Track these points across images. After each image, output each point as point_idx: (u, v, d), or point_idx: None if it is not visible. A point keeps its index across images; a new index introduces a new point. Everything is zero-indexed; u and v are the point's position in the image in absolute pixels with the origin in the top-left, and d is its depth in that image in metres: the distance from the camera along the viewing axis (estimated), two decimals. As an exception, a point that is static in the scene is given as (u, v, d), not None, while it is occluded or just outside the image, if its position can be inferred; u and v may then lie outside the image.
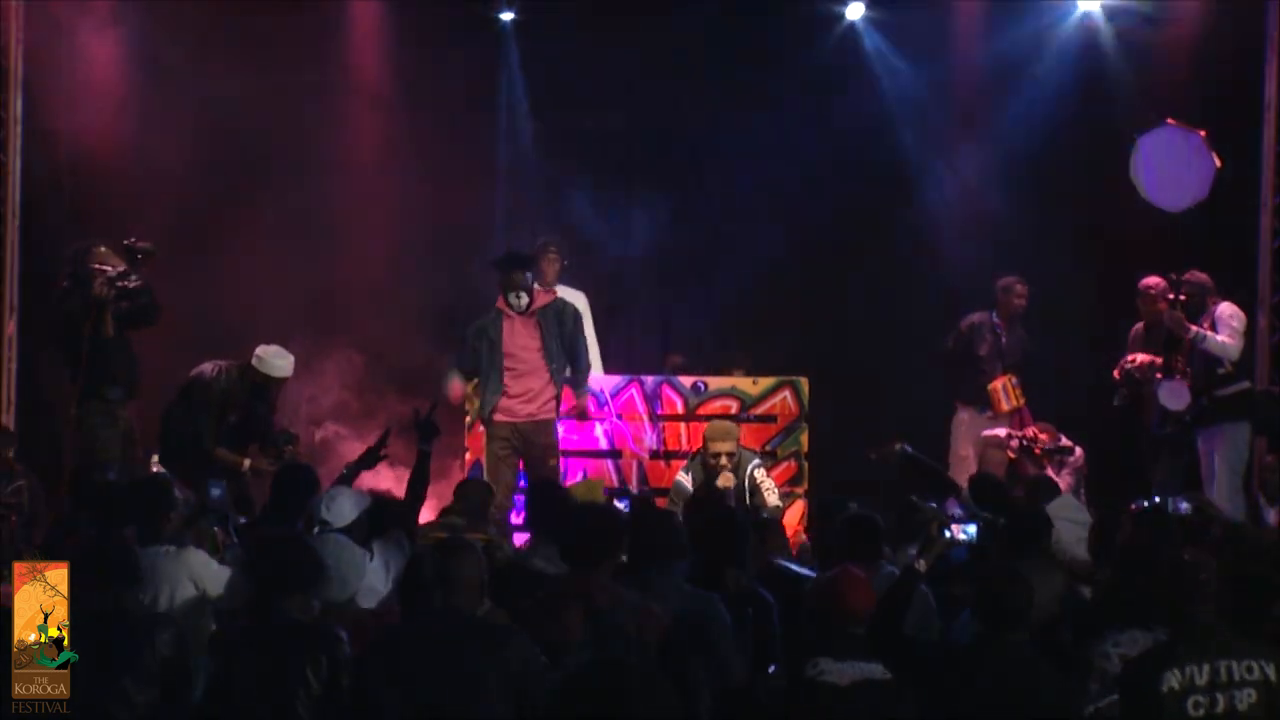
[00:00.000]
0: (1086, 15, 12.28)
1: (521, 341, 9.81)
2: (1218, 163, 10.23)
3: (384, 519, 7.09)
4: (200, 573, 6.45)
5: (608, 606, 5.58)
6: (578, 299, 11.14)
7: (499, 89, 12.33)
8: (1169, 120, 10.47)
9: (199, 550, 6.65)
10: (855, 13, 12.44)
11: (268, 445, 9.73)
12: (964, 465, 10.94)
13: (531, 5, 12.28)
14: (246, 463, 9.64)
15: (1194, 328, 9.97)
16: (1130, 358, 10.45)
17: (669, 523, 6.39)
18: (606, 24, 12.09)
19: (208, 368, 9.71)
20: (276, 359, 9.70)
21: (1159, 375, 10.18)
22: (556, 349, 9.85)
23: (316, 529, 6.86)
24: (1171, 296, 10.03)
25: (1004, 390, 11.07)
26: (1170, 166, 10.27)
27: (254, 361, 9.66)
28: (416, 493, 7.51)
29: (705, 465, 9.58)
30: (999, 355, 11.19)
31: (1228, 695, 5.12)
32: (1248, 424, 10.16)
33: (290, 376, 9.85)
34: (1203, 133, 10.31)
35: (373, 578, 6.80)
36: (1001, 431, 10.91)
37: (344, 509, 6.91)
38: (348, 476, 7.71)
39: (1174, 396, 10.06)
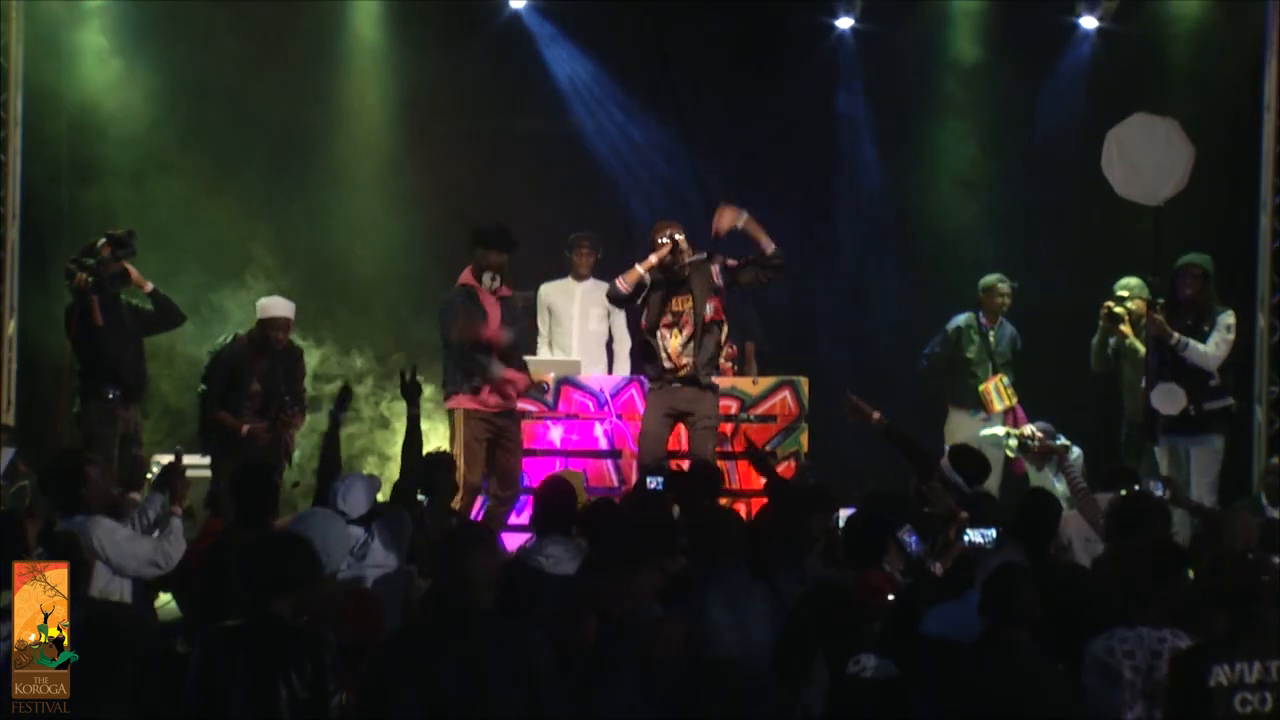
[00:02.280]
0: (1087, 16, 12.32)
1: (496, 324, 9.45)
2: (1193, 150, 9.86)
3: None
4: (103, 541, 6.57)
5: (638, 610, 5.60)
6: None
7: (508, 81, 12.35)
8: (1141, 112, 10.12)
9: (106, 519, 6.72)
10: (846, 23, 12.45)
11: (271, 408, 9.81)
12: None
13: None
14: (245, 427, 9.68)
15: (1176, 334, 9.74)
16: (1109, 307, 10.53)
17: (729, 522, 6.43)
18: (606, 22, 12.16)
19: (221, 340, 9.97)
20: (268, 300, 9.93)
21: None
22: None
23: None
24: (1150, 300, 9.88)
25: (996, 391, 11.07)
26: (1145, 157, 9.89)
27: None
28: (410, 460, 7.43)
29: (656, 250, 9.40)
30: (988, 356, 11.20)
31: (1277, 695, 5.12)
32: (1223, 439, 9.93)
33: (287, 317, 9.87)
34: (1176, 120, 9.96)
35: (379, 555, 6.85)
36: (1000, 430, 10.91)
37: (359, 500, 6.99)
38: (336, 429, 7.70)
39: (1168, 400, 9.82)
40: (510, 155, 12.28)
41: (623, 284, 9.49)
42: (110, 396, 9.66)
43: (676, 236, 9.43)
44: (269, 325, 9.84)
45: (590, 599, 5.61)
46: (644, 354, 9.70)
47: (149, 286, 9.92)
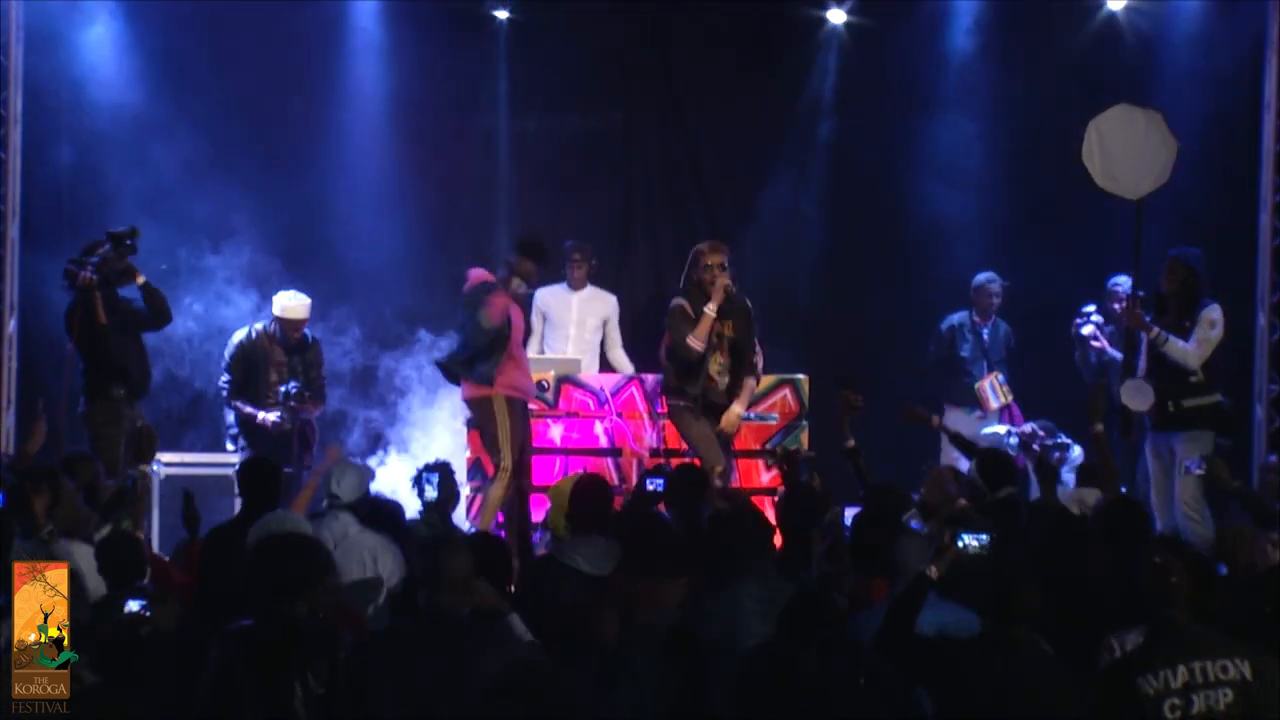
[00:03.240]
0: (1086, 15, 12.31)
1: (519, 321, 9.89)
2: (1176, 144, 9.55)
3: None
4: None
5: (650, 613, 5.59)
6: (607, 302, 11.19)
7: (495, 87, 12.33)
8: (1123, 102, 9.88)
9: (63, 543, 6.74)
10: (838, 17, 12.38)
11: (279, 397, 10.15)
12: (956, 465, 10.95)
13: (528, 4, 12.28)
14: (260, 414, 10.07)
15: (1155, 328, 9.40)
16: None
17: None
18: (603, 21, 12.15)
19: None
20: (285, 300, 10.27)
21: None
22: None
23: (325, 503, 7.10)
24: (1129, 292, 9.60)
25: (991, 388, 11.06)
26: (1125, 150, 9.61)
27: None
28: None
29: (699, 282, 9.61)
30: (982, 354, 11.21)
31: (1203, 696, 5.12)
32: (1213, 434, 9.41)
33: (303, 318, 10.29)
34: (1160, 112, 9.70)
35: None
36: (1000, 429, 10.91)
37: (352, 484, 7.18)
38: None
39: (1137, 396, 9.46)
40: (507, 153, 12.29)
41: (696, 342, 9.55)
42: (117, 395, 9.71)
43: (725, 281, 9.51)
44: (285, 324, 10.25)
45: (617, 600, 5.61)
46: (683, 371, 9.68)
47: (141, 279, 9.86)
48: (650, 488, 8.09)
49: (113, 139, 11.57)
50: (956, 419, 11.18)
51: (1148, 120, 9.64)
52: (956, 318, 11.35)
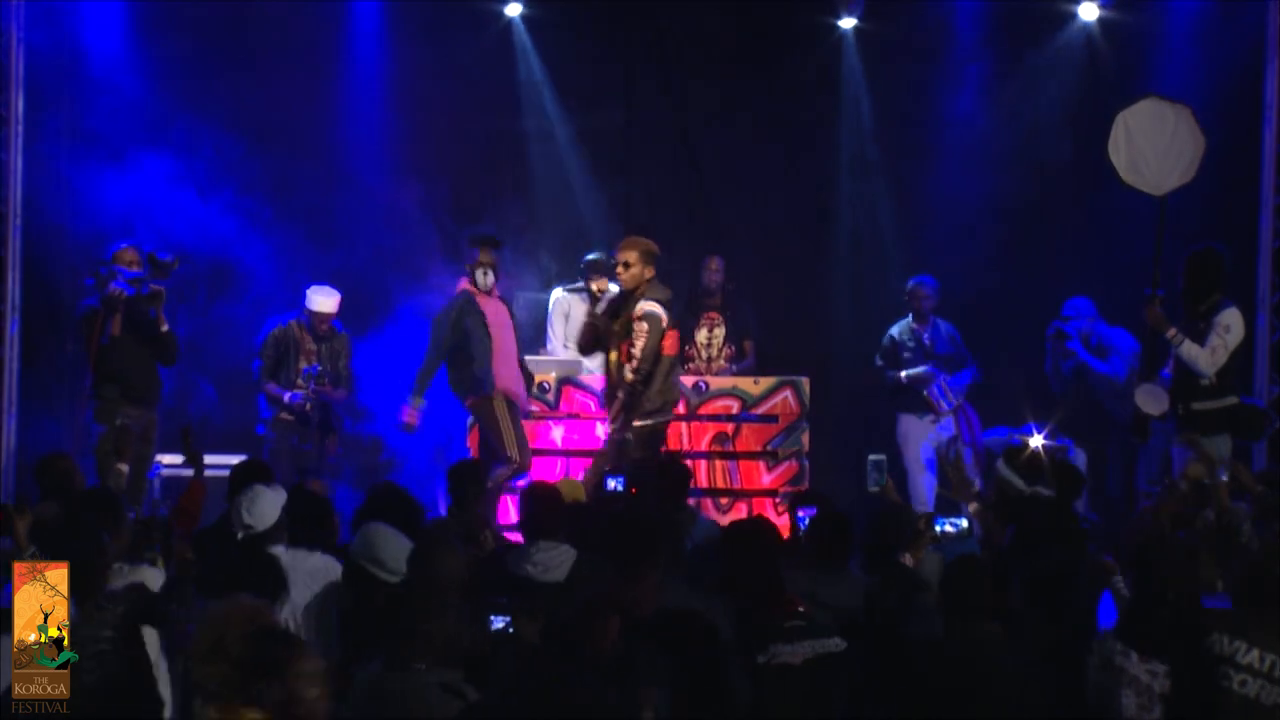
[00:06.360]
0: (1086, 16, 12.32)
1: (501, 320, 9.92)
2: (1204, 140, 9.40)
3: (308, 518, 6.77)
4: None
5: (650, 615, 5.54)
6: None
7: (497, 86, 12.34)
8: (1152, 95, 9.77)
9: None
10: (848, 23, 12.44)
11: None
12: (919, 470, 10.97)
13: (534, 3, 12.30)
14: (287, 395, 10.47)
15: (1173, 328, 9.22)
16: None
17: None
18: (614, 19, 12.16)
19: None
20: (314, 293, 10.65)
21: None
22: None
23: (240, 534, 6.56)
24: (1149, 292, 9.32)
25: (940, 392, 11.00)
26: (1152, 144, 9.44)
27: None
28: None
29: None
30: (925, 358, 11.16)
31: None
32: (1228, 438, 9.20)
33: (330, 312, 10.60)
34: (1189, 108, 9.57)
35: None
36: (1004, 433, 10.86)
37: (265, 511, 6.57)
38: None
39: (1152, 400, 9.36)
40: (506, 154, 12.30)
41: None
42: (106, 396, 9.85)
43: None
44: (314, 316, 10.60)
45: (612, 604, 5.56)
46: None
47: (165, 327, 10.04)
48: (610, 486, 8.11)
49: (115, 139, 11.57)
50: (911, 426, 11.17)
51: (1176, 115, 9.48)
52: (896, 328, 11.34)
